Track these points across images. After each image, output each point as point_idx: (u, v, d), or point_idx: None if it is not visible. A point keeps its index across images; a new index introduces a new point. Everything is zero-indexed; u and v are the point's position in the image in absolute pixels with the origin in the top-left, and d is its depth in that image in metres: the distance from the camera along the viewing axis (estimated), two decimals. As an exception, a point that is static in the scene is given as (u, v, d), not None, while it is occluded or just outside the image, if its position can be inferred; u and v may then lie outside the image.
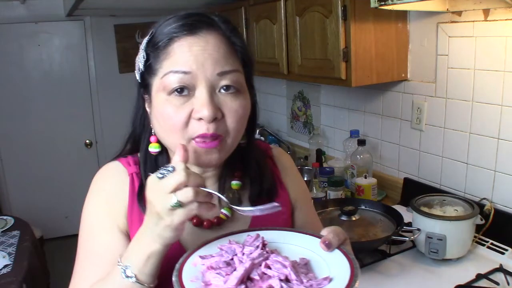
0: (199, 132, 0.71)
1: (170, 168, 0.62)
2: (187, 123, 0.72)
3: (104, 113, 3.99)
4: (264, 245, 0.67)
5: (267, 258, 0.63)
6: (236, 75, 0.74)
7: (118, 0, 2.98)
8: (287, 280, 0.60)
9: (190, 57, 0.71)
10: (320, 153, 2.40)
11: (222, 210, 0.82)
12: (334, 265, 0.64)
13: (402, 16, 1.84)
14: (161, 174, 0.62)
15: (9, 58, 3.65)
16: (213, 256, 0.65)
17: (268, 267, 0.62)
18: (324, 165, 2.36)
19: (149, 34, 0.77)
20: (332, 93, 2.50)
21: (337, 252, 0.66)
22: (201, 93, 0.71)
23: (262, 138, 2.91)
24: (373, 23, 1.76)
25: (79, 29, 3.81)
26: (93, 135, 4.01)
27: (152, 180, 0.63)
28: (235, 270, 0.61)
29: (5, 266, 2.06)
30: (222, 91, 0.73)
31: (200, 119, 0.71)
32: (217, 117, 0.71)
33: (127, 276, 0.66)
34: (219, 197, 0.82)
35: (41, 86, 3.78)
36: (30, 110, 3.77)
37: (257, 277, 0.60)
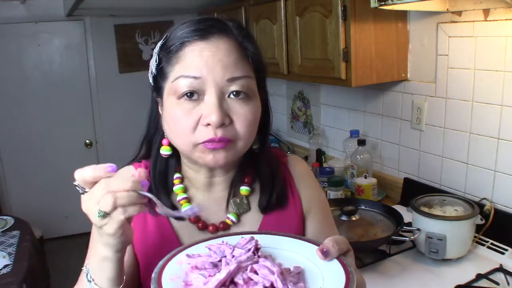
0: (206, 137, 0.71)
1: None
2: (195, 128, 0.71)
3: (104, 113, 3.99)
4: (257, 249, 0.64)
5: (256, 262, 0.60)
6: (246, 81, 0.73)
7: (118, 0, 2.99)
8: (273, 287, 0.56)
9: (200, 62, 0.71)
10: (320, 153, 2.40)
11: (228, 215, 0.81)
12: (328, 276, 0.59)
13: (402, 16, 1.84)
14: (80, 188, 0.61)
15: (9, 58, 3.65)
16: (201, 256, 0.63)
17: (255, 272, 0.58)
18: (324, 165, 2.36)
19: (163, 37, 0.77)
20: (332, 93, 2.50)
21: (335, 263, 0.62)
22: (210, 98, 0.71)
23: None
24: (373, 23, 1.76)
25: (79, 29, 3.81)
26: (93, 135, 4.01)
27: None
28: (219, 272, 0.58)
29: (5, 266, 2.06)
30: (232, 96, 0.72)
31: (208, 124, 0.70)
32: (225, 122, 0.71)
33: (88, 280, 0.67)
34: (229, 201, 0.81)
35: (41, 86, 3.78)
36: (30, 110, 3.77)
37: (241, 282, 0.57)
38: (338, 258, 0.62)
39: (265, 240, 0.67)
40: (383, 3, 1.41)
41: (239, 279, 0.57)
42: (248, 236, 0.66)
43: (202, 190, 0.83)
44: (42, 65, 3.76)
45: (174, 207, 0.80)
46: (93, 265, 0.66)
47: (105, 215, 0.58)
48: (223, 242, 0.66)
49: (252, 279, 0.57)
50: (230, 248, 0.63)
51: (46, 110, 3.81)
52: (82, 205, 0.60)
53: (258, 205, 0.83)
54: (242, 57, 0.74)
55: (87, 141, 3.99)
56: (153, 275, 0.59)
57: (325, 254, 0.62)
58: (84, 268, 0.69)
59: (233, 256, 0.61)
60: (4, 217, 2.64)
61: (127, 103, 3.93)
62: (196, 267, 0.60)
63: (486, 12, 1.52)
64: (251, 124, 0.74)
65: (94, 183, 0.59)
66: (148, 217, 0.79)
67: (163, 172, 0.83)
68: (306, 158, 2.59)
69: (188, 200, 0.81)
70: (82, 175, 0.59)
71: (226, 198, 0.83)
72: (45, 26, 3.69)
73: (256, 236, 0.67)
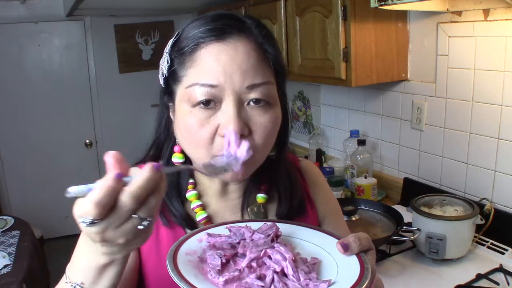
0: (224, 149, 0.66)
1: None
2: (212, 139, 0.66)
3: (104, 113, 3.99)
4: (277, 236, 0.63)
5: (272, 248, 0.60)
6: (267, 87, 0.68)
7: (118, 0, 2.98)
8: (283, 273, 0.56)
9: (217, 68, 0.65)
10: (320, 153, 2.40)
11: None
12: (343, 270, 0.58)
13: (402, 16, 1.84)
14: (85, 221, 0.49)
15: (9, 58, 3.65)
16: (221, 236, 0.63)
17: (269, 256, 0.59)
18: (324, 165, 2.36)
19: (175, 35, 0.71)
20: (332, 93, 2.50)
21: (353, 258, 0.60)
22: (227, 107, 0.65)
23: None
24: (373, 23, 1.77)
25: (79, 29, 3.81)
26: (93, 135, 4.02)
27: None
28: (236, 253, 0.59)
29: (5, 266, 2.06)
30: (252, 104, 0.67)
31: None
32: (244, 133, 0.65)
33: None
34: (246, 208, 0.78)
35: (41, 86, 3.78)
36: (30, 110, 3.77)
37: (255, 265, 0.58)
38: (357, 254, 0.61)
39: (287, 230, 0.67)
40: (383, 3, 1.41)
41: (253, 262, 0.58)
42: (271, 223, 0.66)
43: (216, 197, 0.79)
44: (42, 65, 3.76)
45: (188, 216, 0.76)
46: (88, 276, 0.55)
47: (148, 225, 0.48)
48: (246, 226, 0.65)
49: (265, 263, 0.58)
50: (250, 232, 0.63)
51: (46, 110, 3.81)
52: (103, 235, 0.47)
53: (277, 215, 0.80)
54: (262, 60, 0.68)
55: (87, 141, 3.99)
56: (171, 247, 0.58)
57: (345, 248, 0.60)
58: (68, 282, 0.56)
59: (252, 240, 0.62)
60: (4, 217, 2.64)
61: (127, 103, 3.94)
62: (214, 246, 0.60)
63: (486, 12, 1.52)
64: (271, 133, 0.69)
65: (106, 207, 0.47)
66: (160, 224, 0.75)
67: (175, 179, 0.78)
68: (306, 158, 2.59)
69: (203, 207, 0.78)
70: (96, 204, 0.47)
71: (241, 205, 0.79)
72: (45, 26, 3.69)
73: (279, 225, 0.66)
